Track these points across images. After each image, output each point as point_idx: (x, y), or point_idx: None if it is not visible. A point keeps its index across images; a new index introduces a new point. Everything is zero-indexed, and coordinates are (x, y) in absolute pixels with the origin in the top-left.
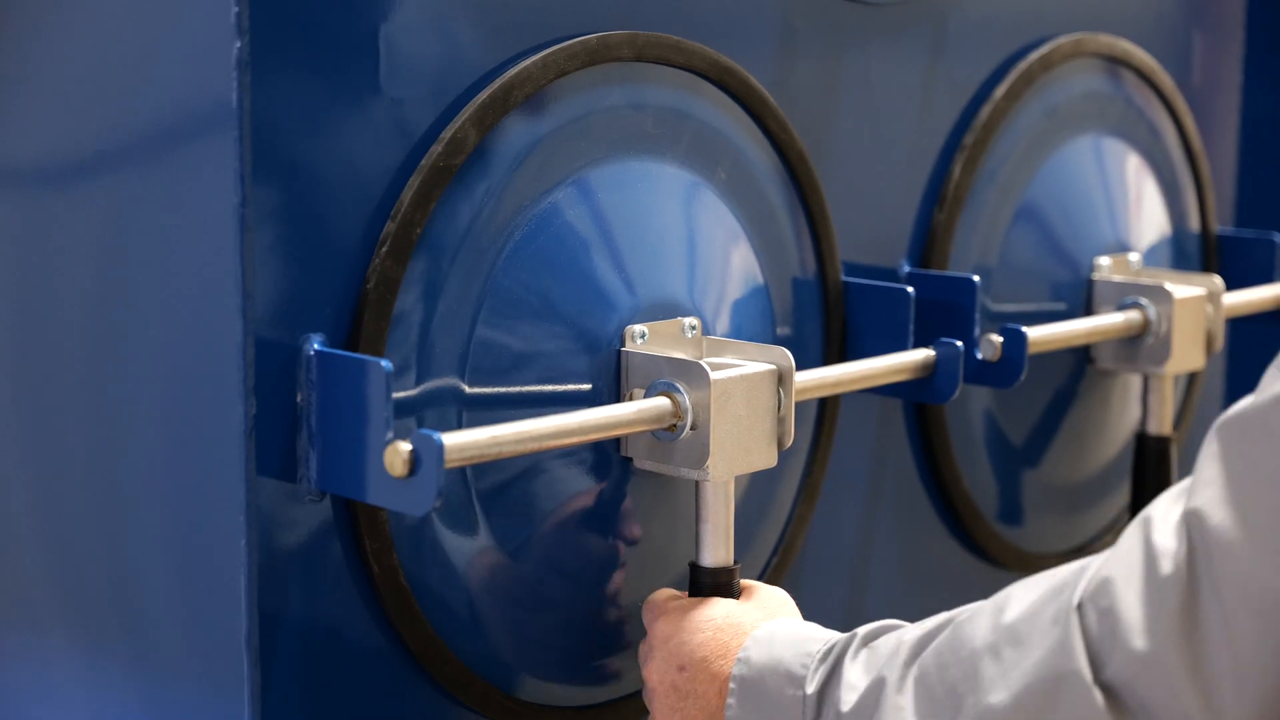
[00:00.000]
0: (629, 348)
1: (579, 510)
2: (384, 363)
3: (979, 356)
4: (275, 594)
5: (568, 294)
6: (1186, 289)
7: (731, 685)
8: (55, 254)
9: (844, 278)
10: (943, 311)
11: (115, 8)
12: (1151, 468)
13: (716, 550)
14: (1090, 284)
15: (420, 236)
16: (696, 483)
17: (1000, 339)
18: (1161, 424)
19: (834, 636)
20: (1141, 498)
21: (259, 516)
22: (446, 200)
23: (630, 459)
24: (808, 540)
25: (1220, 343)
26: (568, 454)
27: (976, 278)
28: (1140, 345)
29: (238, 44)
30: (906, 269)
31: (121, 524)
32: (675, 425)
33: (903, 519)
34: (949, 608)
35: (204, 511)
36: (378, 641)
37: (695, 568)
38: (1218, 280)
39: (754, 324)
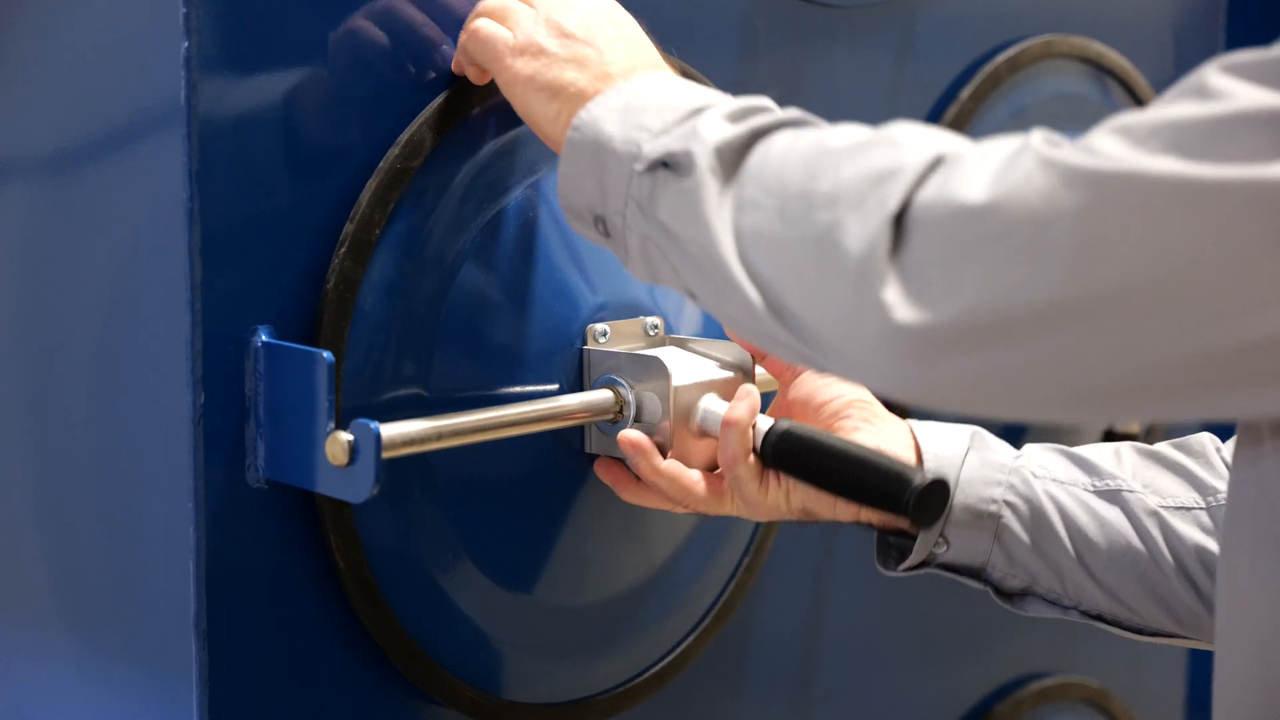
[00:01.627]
0: (590, 345)
1: (543, 505)
2: (326, 354)
3: None
4: (225, 579)
5: (530, 294)
6: None
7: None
8: (7, 247)
9: None
10: None
11: (68, 7)
12: None
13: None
14: None
15: (379, 238)
16: None
17: None
18: (1128, 423)
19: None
20: None
21: (207, 504)
22: (404, 201)
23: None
24: (770, 534)
25: None
26: (533, 450)
27: None
28: None
29: (186, 43)
30: None
31: (71, 511)
32: (617, 418)
33: None
34: (915, 601)
35: (155, 498)
36: (337, 630)
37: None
38: None
39: (716, 323)
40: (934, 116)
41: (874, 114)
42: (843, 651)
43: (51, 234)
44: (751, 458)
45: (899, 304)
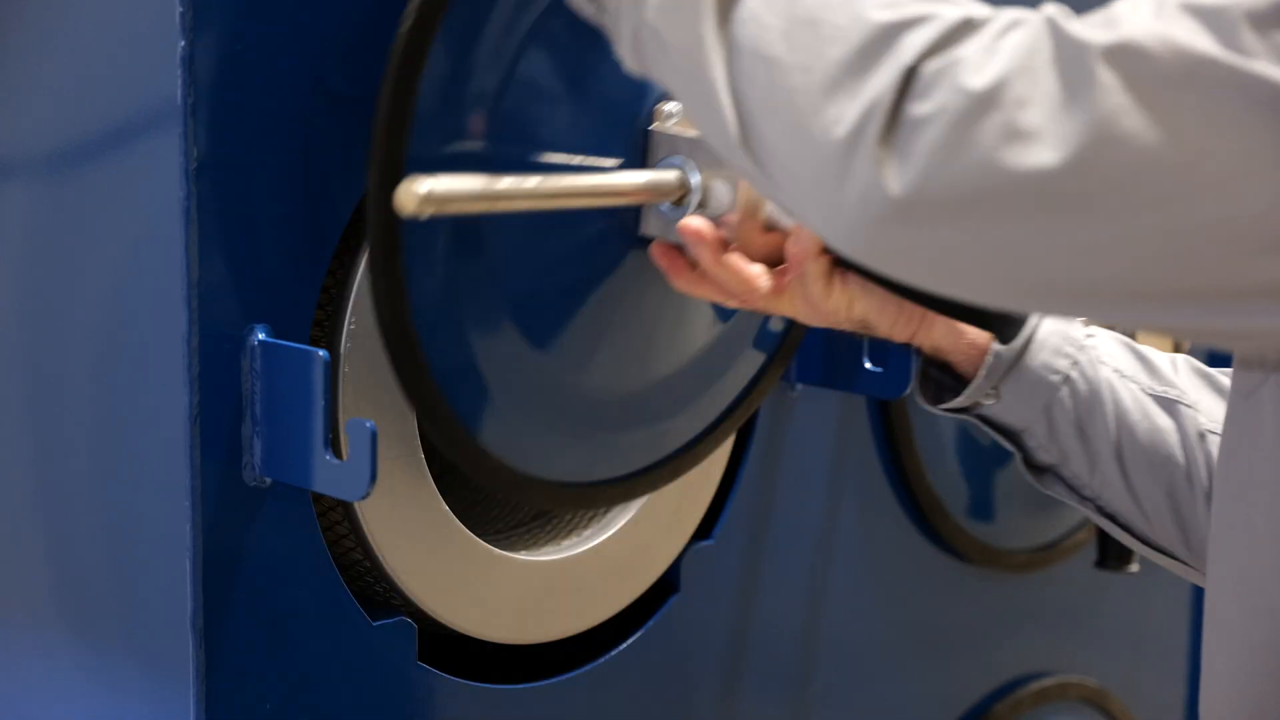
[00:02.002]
0: (657, 126)
1: (589, 283)
2: (322, 353)
3: None
4: (221, 577)
5: (598, 65)
6: None
7: None
8: (4, 246)
9: None
10: None
11: (65, 6)
12: None
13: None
14: None
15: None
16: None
17: None
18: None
19: None
20: None
21: (204, 502)
22: None
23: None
24: (768, 534)
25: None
26: (585, 229)
27: None
28: None
29: (183, 42)
30: None
31: (70, 510)
32: (680, 201)
33: (866, 513)
34: (913, 601)
35: (152, 496)
36: (335, 626)
37: None
38: None
39: None
40: None
41: None
42: (841, 650)
43: (49, 233)
44: (822, 255)
45: (890, 165)
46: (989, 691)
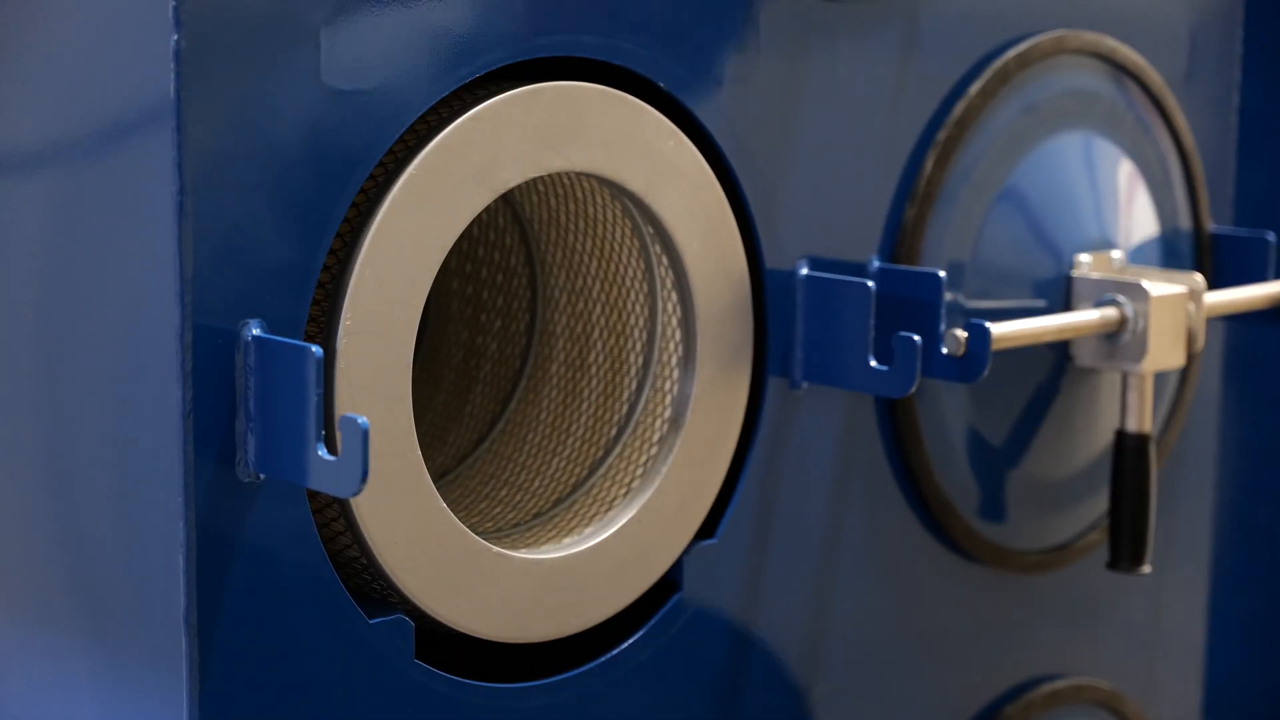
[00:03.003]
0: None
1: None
2: (315, 349)
3: (944, 351)
4: (216, 573)
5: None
6: (1165, 286)
7: None
8: (7, 245)
9: (807, 272)
10: (909, 307)
11: (59, 2)
12: (1130, 465)
13: (1141, 421)
14: (1069, 281)
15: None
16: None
17: (964, 334)
18: (1140, 421)
19: None
20: (1120, 494)
21: (197, 497)
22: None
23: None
24: (773, 533)
25: (1201, 342)
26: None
27: (942, 273)
28: (1118, 343)
29: (175, 36)
30: (876, 264)
31: (77, 506)
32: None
33: (873, 512)
34: (922, 602)
35: (147, 491)
36: (330, 622)
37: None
38: (1199, 279)
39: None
40: (941, 113)
41: (879, 107)
42: (847, 651)
43: (43, 229)
44: None
45: None
46: (999, 694)
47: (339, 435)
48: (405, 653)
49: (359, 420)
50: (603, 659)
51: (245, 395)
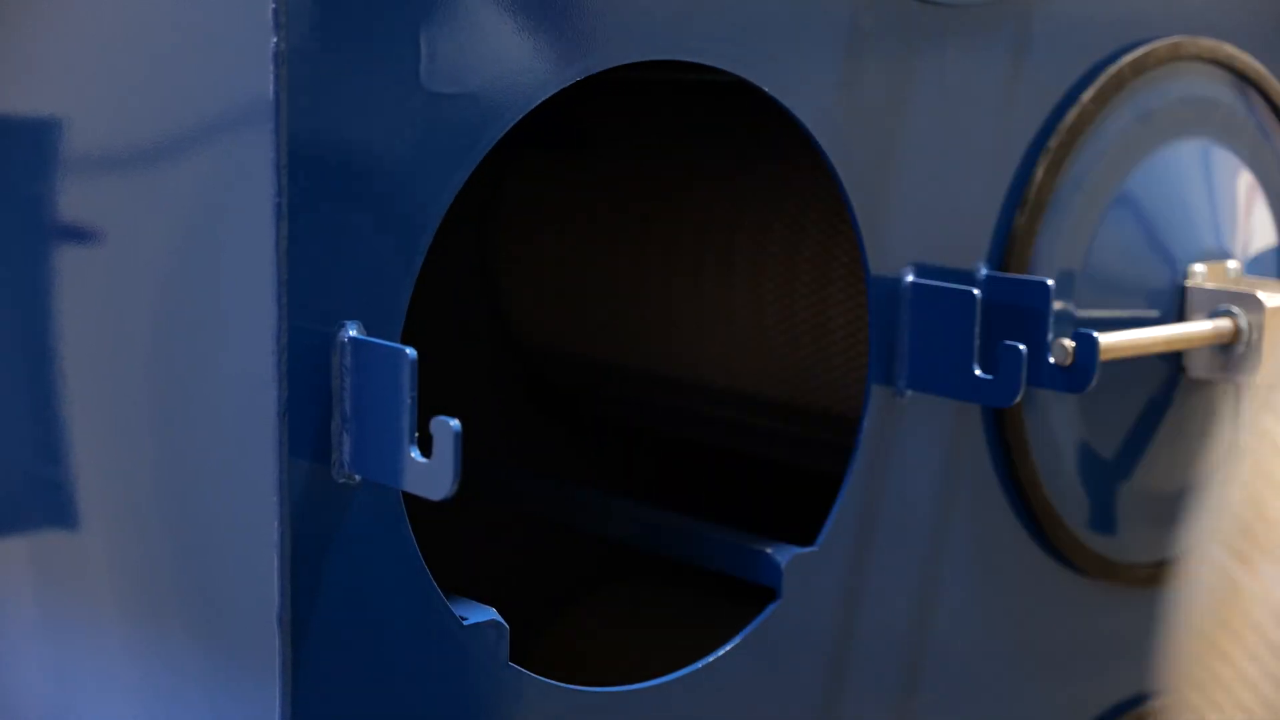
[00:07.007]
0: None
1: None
2: (410, 351)
3: (1051, 361)
4: (309, 572)
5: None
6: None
7: None
8: (94, 244)
9: (913, 279)
10: (1018, 315)
11: (159, 3)
12: None
13: None
14: (1184, 291)
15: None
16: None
17: (1072, 343)
18: None
19: None
20: None
21: (291, 498)
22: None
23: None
24: (874, 541)
25: None
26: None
27: (1051, 281)
28: (1232, 354)
29: (275, 38)
30: (984, 273)
31: (141, 503)
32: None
33: (979, 523)
34: (1027, 615)
35: (237, 491)
36: (424, 625)
37: None
38: None
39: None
40: (1053, 119)
41: (989, 114)
42: (948, 663)
43: (138, 231)
44: None
45: None
46: (1107, 709)
47: (432, 437)
48: (499, 655)
49: (451, 422)
50: (699, 664)
51: (341, 396)
